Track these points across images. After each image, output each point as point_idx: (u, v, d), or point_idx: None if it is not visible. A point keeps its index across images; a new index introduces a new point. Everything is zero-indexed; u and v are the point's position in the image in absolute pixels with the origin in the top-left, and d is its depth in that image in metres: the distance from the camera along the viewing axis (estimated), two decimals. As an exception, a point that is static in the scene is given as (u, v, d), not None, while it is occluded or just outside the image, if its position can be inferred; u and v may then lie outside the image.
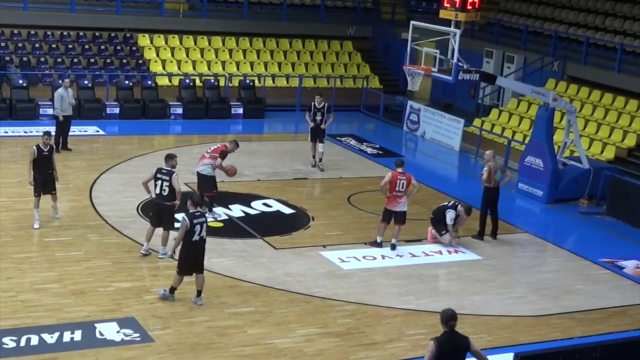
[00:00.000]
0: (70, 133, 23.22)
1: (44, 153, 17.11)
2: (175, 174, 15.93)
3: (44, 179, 17.20)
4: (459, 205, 18.24)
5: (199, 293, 14.45)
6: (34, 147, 17.11)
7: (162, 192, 15.85)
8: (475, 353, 10.23)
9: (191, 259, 14.25)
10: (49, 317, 13.51)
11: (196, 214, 14.20)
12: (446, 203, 18.52)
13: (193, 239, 14.12)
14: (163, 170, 15.96)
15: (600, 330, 14.84)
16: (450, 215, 18.00)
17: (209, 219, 18.34)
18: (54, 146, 17.58)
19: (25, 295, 14.20)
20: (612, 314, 15.73)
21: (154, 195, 16.08)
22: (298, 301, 14.97)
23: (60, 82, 26.67)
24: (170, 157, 16.18)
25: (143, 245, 16.31)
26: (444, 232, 18.12)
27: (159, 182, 15.86)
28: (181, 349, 12.94)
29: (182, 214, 14.42)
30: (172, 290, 14.45)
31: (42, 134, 17.41)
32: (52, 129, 24.53)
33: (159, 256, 16.17)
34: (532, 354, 12.02)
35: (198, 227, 14.11)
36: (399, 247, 17.74)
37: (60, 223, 17.38)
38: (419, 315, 14.88)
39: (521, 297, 16.14)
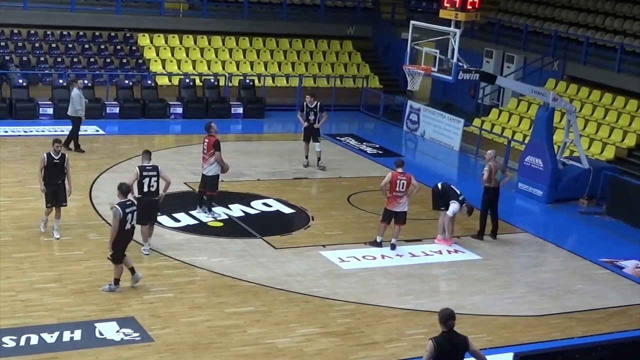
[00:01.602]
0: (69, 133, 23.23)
1: (55, 161, 16.37)
2: (160, 167, 16.26)
3: (55, 189, 16.49)
4: (465, 204, 18.20)
5: (133, 270, 14.70)
6: (44, 155, 16.40)
7: (151, 188, 16.02)
8: (473, 353, 10.23)
9: (125, 246, 14.51)
10: (49, 317, 13.51)
11: (127, 203, 14.42)
12: (457, 192, 18.29)
13: (126, 228, 14.37)
14: (148, 167, 16.12)
15: (600, 330, 14.84)
16: (454, 207, 17.94)
17: (208, 219, 18.49)
18: (66, 155, 16.65)
19: (25, 294, 14.20)
20: (612, 313, 15.73)
21: (138, 195, 15.87)
22: (298, 301, 14.97)
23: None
24: (149, 153, 16.48)
25: (143, 246, 16.32)
26: (442, 207, 18.13)
27: (147, 180, 15.96)
28: (181, 348, 12.94)
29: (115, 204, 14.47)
30: (117, 281, 14.60)
31: (52, 142, 16.60)
32: (53, 129, 24.60)
33: (144, 253, 16.20)
34: (532, 354, 12.01)
35: (130, 216, 14.35)
36: (398, 246, 17.73)
37: (60, 223, 17.33)
38: (419, 315, 14.88)
39: (521, 297, 16.14)
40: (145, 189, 15.99)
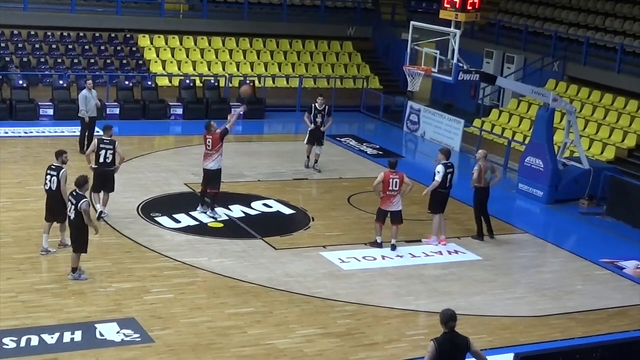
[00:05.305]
0: (70, 133, 23.21)
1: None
2: (117, 142, 17.77)
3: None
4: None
5: (74, 270, 14.99)
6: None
7: (106, 159, 17.58)
8: (474, 353, 10.23)
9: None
10: (49, 318, 13.51)
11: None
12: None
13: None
14: (105, 140, 17.74)
15: (600, 331, 14.84)
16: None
17: (209, 220, 18.47)
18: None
19: (26, 295, 14.21)
20: (612, 314, 15.73)
21: (94, 165, 17.68)
22: (298, 302, 14.97)
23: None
24: (110, 128, 18.09)
25: (97, 207, 17.67)
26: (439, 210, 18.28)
27: (103, 152, 17.59)
28: (181, 349, 12.94)
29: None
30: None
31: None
32: (53, 130, 24.59)
33: (102, 216, 17.75)
34: (532, 355, 12.02)
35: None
36: (399, 247, 17.74)
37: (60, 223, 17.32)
38: (419, 315, 14.89)
39: (521, 298, 16.14)
40: (101, 160, 17.61)
